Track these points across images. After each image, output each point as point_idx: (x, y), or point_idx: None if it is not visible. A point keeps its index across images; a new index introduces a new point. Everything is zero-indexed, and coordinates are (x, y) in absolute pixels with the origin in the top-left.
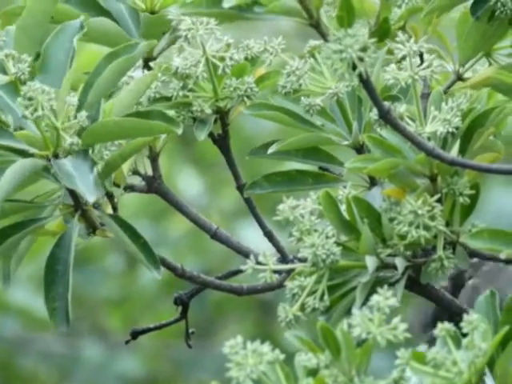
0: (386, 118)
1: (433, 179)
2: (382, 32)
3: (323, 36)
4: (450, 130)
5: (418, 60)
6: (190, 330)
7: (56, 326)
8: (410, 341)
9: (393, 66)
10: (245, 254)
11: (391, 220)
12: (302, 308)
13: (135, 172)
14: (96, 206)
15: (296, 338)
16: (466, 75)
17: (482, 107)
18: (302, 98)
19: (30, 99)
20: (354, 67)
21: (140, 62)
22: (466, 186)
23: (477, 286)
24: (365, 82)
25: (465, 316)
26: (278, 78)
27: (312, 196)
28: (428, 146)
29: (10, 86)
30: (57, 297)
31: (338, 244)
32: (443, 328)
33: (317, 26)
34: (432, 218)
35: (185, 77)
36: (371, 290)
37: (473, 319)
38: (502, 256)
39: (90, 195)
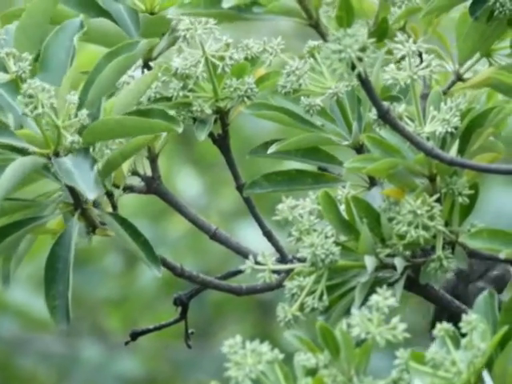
0: (384, 117)
1: (432, 179)
2: (381, 32)
3: (322, 36)
4: (449, 129)
5: (417, 60)
6: (190, 331)
7: (56, 324)
8: (409, 341)
9: (392, 66)
10: (244, 254)
11: (390, 220)
12: (301, 308)
13: (134, 173)
14: (96, 204)
15: (295, 337)
16: (467, 76)
17: (480, 107)
18: (302, 97)
19: (30, 97)
20: (353, 67)
21: (140, 62)
22: (465, 186)
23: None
24: (364, 81)
25: (464, 316)
26: (278, 78)
27: (311, 196)
28: (427, 146)
29: (11, 84)
30: (57, 295)
31: (337, 244)
32: (442, 328)
33: (316, 26)
34: (431, 217)
35: (185, 77)
36: (370, 289)
37: (472, 319)
38: (502, 256)
39: (90, 192)
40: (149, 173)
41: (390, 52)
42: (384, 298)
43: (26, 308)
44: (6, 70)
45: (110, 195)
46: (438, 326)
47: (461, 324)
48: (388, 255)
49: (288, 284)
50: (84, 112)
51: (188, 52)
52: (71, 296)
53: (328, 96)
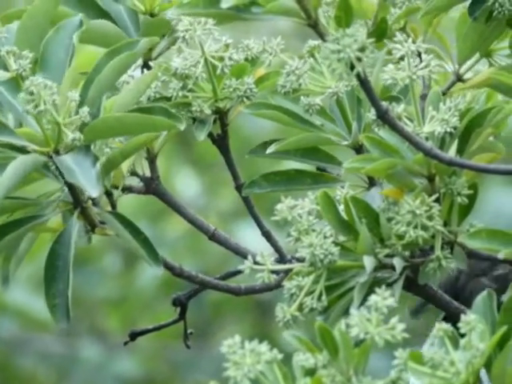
0: (383, 117)
1: (431, 179)
2: (380, 32)
3: (321, 36)
4: (448, 129)
5: (416, 60)
6: (189, 331)
7: (56, 322)
8: (408, 341)
9: (391, 65)
10: (243, 254)
11: (389, 220)
12: (300, 308)
13: (133, 173)
14: (95, 203)
15: (294, 337)
16: (466, 76)
17: (480, 107)
18: (302, 97)
19: (32, 94)
20: (352, 67)
21: (140, 62)
22: (464, 186)
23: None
24: (363, 81)
25: (462, 316)
26: (278, 78)
27: (310, 196)
28: (426, 146)
29: (11, 82)
30: (57, 293)
31: (336, 244)
32: (441, 328)
33: (315, 26)
34: (430, 217)
35: (184, 77)
36: (369, 290)
37: (470, 320)
38: (500, 256)
39: (92, 189)
40: (148, 173)
41: (389, 52)
42: (383, 298)
43: (25, 308)
44: (6, 68)
45: (109, 195)
46: (437, 326)
47: (459, 324)
48: (387, 255)
49: (287, 284)
50: (85, 109)
51: (188, 52)
52: (71, 295)
53: (328, 96)
